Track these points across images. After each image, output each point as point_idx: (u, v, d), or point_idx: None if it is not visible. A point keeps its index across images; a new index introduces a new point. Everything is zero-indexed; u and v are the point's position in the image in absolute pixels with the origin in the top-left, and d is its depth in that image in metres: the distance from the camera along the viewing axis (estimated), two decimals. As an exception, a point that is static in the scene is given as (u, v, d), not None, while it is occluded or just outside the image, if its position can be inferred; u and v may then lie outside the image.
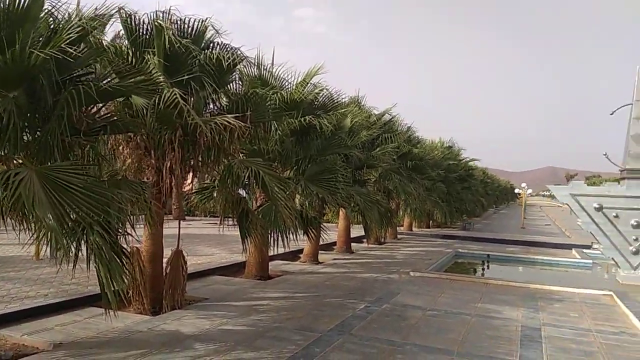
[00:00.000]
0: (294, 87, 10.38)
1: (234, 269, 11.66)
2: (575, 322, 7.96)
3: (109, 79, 6.23)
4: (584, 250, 18.22)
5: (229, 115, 7.13)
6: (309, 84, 10.84)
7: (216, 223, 24.59)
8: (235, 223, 9.21)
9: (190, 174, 8.39)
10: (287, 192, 8.57)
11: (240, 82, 9.20)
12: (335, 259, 14.13)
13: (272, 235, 9.62)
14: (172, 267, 7.96)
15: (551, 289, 10.61)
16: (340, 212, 15.38)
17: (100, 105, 6.52)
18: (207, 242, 16.50)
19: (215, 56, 7.38)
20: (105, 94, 5.92)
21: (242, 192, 9.63)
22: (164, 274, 7.93)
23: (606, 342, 6.91)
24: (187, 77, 7.23)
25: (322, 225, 11.38)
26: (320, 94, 10.78)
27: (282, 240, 9.50)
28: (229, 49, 7.88)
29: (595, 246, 19.43)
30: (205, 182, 10.51)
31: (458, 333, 7.04)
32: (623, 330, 7.56)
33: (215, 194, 9.36)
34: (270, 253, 10.83)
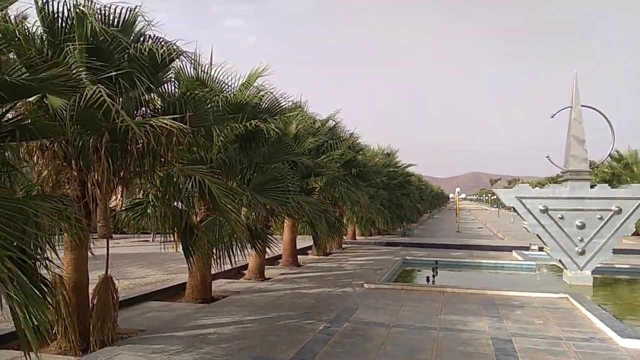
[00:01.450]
0: (236, 89, 9.51)
1: (172, 292, 10.53)
2: (543, 330, 7.64)
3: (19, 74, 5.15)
4: (525, 252, 18.51)
5: (166, 117, 6.18)
6: (251, 87, 10.02)
7: (147, 240, 23.00)
8: (171, 240, 8.22)
9: (120, 187, 7.29)
10: (236, 203, 7.71)
11: (176, 83, 8.24)
12: (282, 274, 13.27)
13: (217, 251, 8.68)
14: (100, 296, 6.82)
15: (508, 295, 10.37)
16: (286, 224, 14.57)
17: (9, 105, 5.42)
18: (138, 262, 15.10)
19: (147, 49, 6.40)
20: (14, 91, 4.86)
21: (179, 205, 8.61)
22: (90, 305, 6.79)
23: (580, 350, 6.59)
24: (115, 73, 6.21)
25: (269, 238, 10.53)
26: (265, 97, 9.97)
27: (229, 257, 8.59)
28: (162, 42, 6.91)
29: (533, 247, 19.95)
30: (137, 196, 9.37)
31: (430, 352, 6.45)
32: (592, 335, 7.31)
33: (149, 210, 8.26)
34: (212, 271, 9.86)
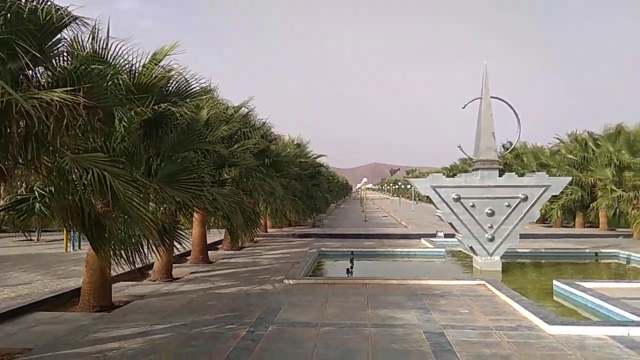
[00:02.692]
0: (140, 68, 8.35)
1: (64, 300, 9.21)
2: (471, 320, 7.55)
3: None
4: (433, 239, 19.03)
5: (56, 90, 5.08)
6: (158, 67, 8.90)
7: (32, 240, 20.37)
8: (60, 239, 7.04)
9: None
10: (142, 197, 6.70)
11: (69, 58, 6.97)
12: (193, 273, 12.24)
13: (120, 251, 7.57)
14: (-28, 313, 5.54)
15: (428, 284, 10.33)
16: (195, 217, 13.48)
17: None
18: (22, 265, 13.21)
19: (29, 7, 5.21)
20: None
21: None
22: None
23: (512, 340, 6.52)
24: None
25: (180, 234, 9.53)
26: (174, 78, 8.91)
27: (138, 257, 7.53)
28: (51, 5, 5.71)
29: (439, 234, 20.62)
30: (19, 191, 7.93)
31: (366, 354, 6.00)
32: (518, 324, 7.32)
33: (37, 207, 6.96)
34: (112, 273, 8.70)
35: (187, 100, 9.36)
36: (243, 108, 14.42)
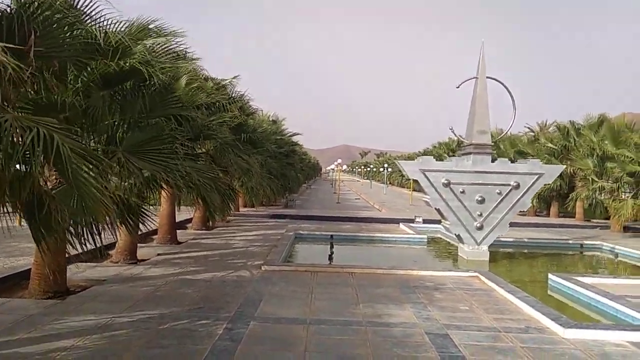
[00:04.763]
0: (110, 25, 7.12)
1: (11, 283, 8.09)
2: (474, 320, 6.82)
3: None
4: (412, 225, 18.40)
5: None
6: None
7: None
8: (11, 211, 5.94)
9: None
10: (100, 170, 5.62)
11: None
12: (160, 254, 11.15)
13: (75, 228, 6.48)
14: None
15: (419, 274, 9.59)
16: (163, 194, 12.33)
17: None
18: (-33, 240, 11.81)
19: None
20: None
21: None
22: None
23: (526, 345, 5.80)
24: None
25: (146, 212, 8.43)
26: (151, 37, 7.74)
27: (92, 236, 6.46)
28: None
29: (418, 220, 20.05)
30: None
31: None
32: (527, 325, 6.62)
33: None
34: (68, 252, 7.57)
35: (164, 65, 8.19)
36: (225, 82, 13.24)
